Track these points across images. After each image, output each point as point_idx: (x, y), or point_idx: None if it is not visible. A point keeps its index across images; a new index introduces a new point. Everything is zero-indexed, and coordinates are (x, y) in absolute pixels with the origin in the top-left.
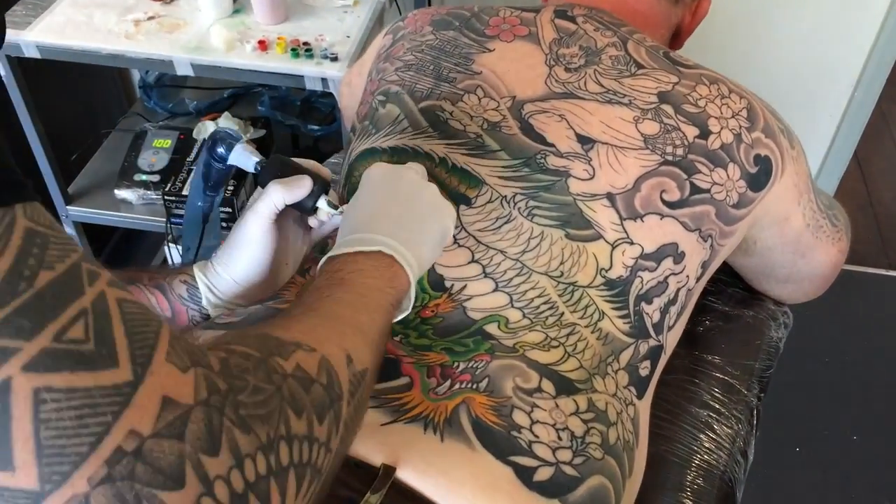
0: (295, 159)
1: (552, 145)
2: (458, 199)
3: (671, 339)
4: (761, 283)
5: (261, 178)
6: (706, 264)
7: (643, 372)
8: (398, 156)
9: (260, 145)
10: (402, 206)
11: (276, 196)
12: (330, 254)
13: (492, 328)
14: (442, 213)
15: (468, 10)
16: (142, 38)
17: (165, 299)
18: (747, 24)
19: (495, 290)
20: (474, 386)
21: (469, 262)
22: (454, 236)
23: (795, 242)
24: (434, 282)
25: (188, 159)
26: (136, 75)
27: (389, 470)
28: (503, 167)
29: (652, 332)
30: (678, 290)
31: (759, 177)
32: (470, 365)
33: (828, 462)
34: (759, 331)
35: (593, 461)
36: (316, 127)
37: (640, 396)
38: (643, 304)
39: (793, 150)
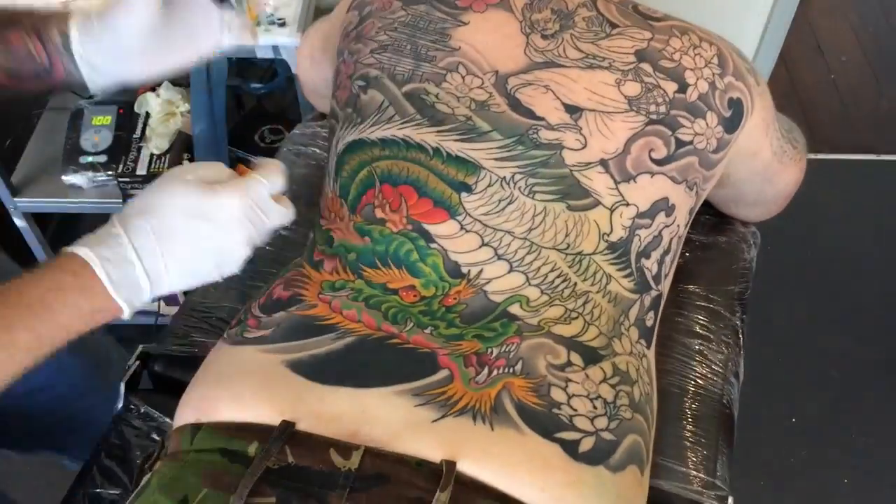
0: None
1: (542, 119)
2: (457, 188)
3: (667, 285)
4: (730, 208)
5: None
6: (693, 210)
7: (649, 322)
8: (388, 148)
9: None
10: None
11: None
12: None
13: (515, 309)
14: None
15: None
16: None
17: (44, 49)
18: None
19: (510, 270)
20: (510, 370)
21: (480, 247)
22: (460, 222)
23: (764, 171)
24: (451, 269)
25: (134, 136)
26: None
27: (451, 465)
28: (497, 148)
29: (652, 284)
30: (671, 239)
31: (734, 119)
32: (503, 350)
33: None
34: (733, 255)
35: (625, 422)
36: (258, 84)
37: (648, 346)
38: (643, 260)
39: (759, 87)
